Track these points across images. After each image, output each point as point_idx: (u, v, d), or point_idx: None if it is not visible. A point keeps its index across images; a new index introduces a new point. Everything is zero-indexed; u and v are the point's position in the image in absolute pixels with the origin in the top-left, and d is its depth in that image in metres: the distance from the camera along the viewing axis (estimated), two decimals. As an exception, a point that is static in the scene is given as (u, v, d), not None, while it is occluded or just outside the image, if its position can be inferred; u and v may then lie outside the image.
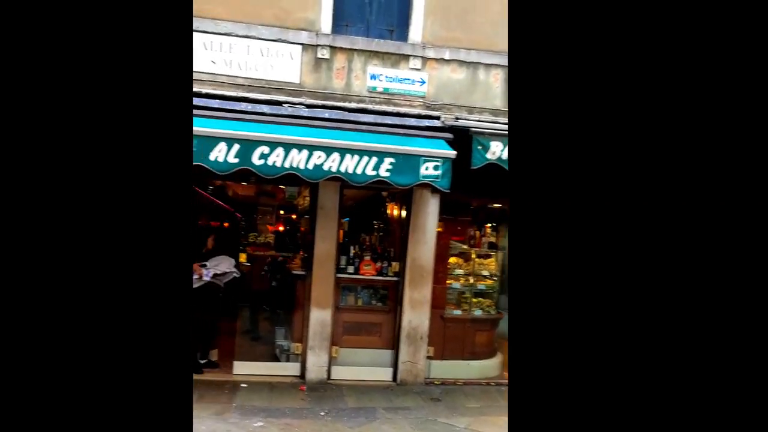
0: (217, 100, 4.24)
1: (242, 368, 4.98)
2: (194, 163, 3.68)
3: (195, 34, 4.33)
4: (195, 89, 4.34)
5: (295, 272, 5.25)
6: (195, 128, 3.91)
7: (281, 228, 7.41)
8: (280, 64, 4.39)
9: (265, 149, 3.75)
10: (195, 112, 4.15)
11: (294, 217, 7.34)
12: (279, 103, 4.28)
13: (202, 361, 5.10)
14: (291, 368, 5.03)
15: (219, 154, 3.72)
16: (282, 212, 7.65)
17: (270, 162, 3.74)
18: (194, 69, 4.53)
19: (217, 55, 4.36)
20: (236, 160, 3.73)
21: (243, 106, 4.20)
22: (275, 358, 5.22)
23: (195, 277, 4.85)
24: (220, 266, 4.89)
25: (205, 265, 4.84)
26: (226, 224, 7.14)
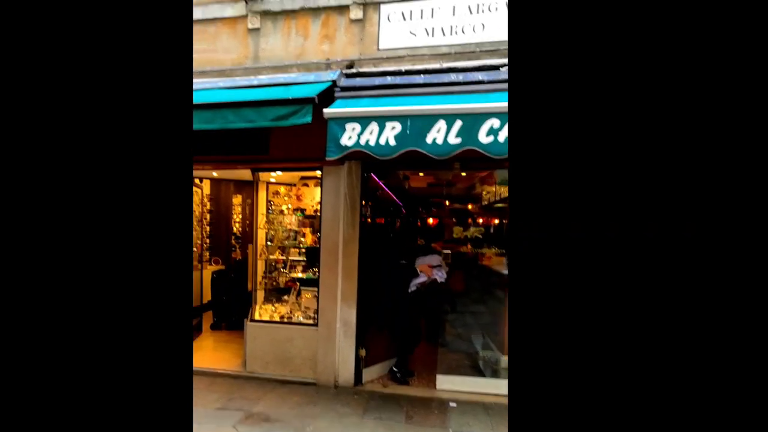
0: (421, 76, 3.66)
1: (446, 383, 4.39)
2: (407, 149, 3.13)
3: (393, 6, 3.83)
4: (392, 68, 3.84)
5: (497, 271, 4.50)
6: (403, 107, 3.44)
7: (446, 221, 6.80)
8: (493, 20, 3.65)
9: (495, 122, 3.01)
10: (397, 91, 3.66)
11: (470, 207, 6.63)
12: (495, 68, 3.54)
13: (399, 369, 4.66)
14: (505, 386, 4.28)
15: (438, 135, 3.10)
16: (447, 203, 7.03)
17: (501, 138, 3.00)
18: (392, 45, 4.10)
19: (417, 25, 3.79)
20: (458, 140, 3.06)
21: (452, 77, 3.55)
22: (478, 371, 4.53)
23: (422, 279, 4.43)
24: (442, 267, 4.40)
25: (439, 267, 4.39)
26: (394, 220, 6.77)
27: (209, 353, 5.42)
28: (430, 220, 7.91)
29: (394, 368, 4.61)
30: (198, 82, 4.17)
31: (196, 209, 5.76)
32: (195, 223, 5.72)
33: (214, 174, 6.08)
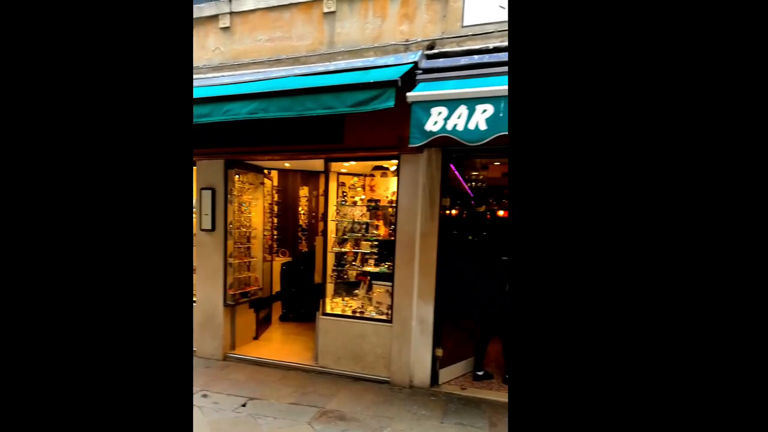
0: (512, 53, 3.31)
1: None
2: (500, 133, 2.81)
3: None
4: (479, 45, 3.52)
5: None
6: (496, 87, 3.13)
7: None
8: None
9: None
10: (485, 71, 3.33)
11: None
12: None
13: (479, 373, 4.38)
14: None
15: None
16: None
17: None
18: (478, 21, 3.76)
19: (506, -4, 3.45)
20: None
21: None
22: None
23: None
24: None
25: None
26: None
27: (279, 345, 5.42)
28: (500, 213, 7.50)
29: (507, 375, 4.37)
30: (273, 71, 4.08)
31: (265, 201, 5.75)
32: (264, 215, 5.73)
33: (287, 165, 6.06)
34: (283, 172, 6.86)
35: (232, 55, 4.42)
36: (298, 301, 6.28)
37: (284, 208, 7.00)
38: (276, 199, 6.66)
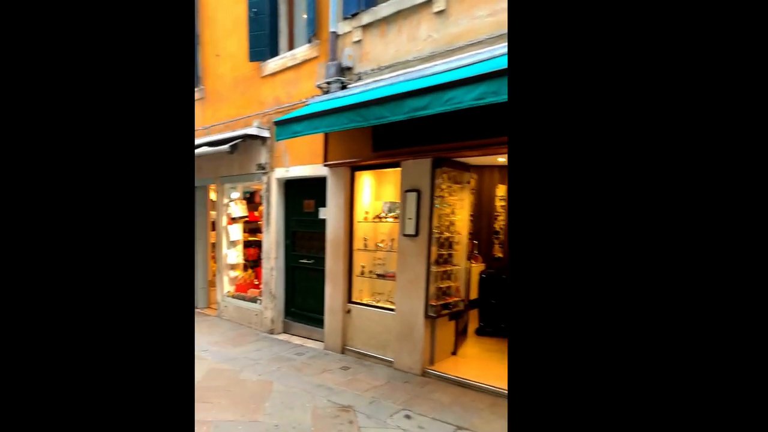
0: None
1: None
2: None
3: None
4: None
5: None
6: None
7: None
8: None
9: None
10: None
11: None
12: None
13: None
14: None
15: None
16: None
17: None
18: None
19: None
20: None
21: None
22: None
23: None
24: None
25: None
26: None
27: (481, 364, 4.83)
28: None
29: None
30: (496, 48, 3.45)
31: (467, 202, 5.19)
32: (468, 218, 5.20)
33: (500, 160, 5.44)
34: (477, 169, 6.24)
35: (445, 41, 3.95)
36: (497, 314, 5.61)
37: (478, 210, 6.38)
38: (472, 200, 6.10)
